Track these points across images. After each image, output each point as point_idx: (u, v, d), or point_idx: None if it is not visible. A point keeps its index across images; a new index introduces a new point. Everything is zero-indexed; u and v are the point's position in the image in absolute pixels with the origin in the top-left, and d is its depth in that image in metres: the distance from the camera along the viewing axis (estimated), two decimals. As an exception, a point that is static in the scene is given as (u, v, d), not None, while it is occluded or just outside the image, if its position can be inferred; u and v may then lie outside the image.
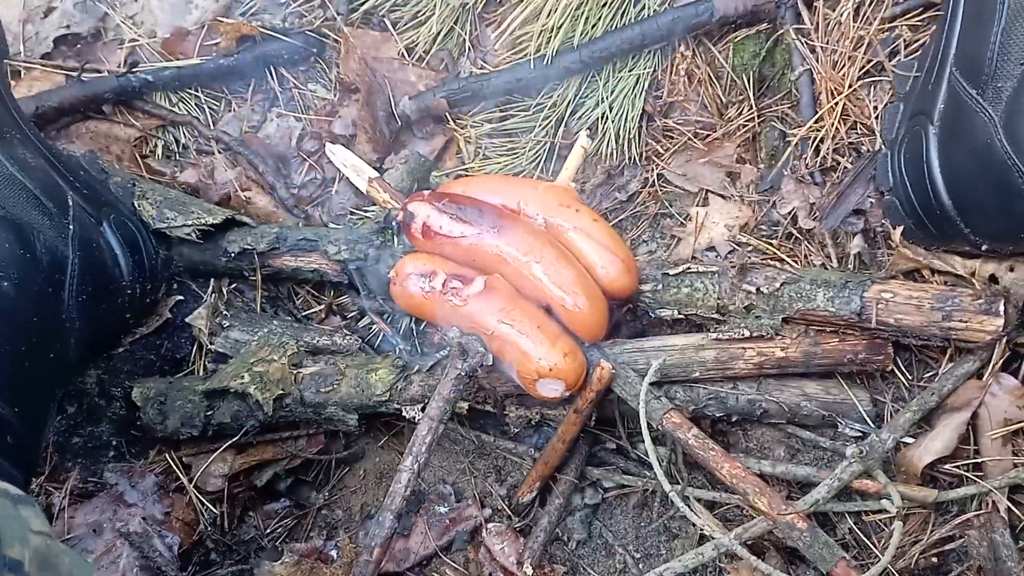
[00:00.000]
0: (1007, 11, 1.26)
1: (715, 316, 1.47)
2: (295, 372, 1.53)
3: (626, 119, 1.68)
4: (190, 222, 1.58)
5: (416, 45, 1.75)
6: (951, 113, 1.36)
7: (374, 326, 1.69)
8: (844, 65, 1.57)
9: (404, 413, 1.49)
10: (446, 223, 1.44)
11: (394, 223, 1.56)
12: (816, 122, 1.58)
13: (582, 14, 1.64)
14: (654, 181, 1.69)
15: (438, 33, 1.73)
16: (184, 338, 1.66)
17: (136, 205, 1.59)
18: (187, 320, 1.63)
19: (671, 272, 1.49)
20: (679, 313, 1.49)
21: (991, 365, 1.41)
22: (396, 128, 1.76)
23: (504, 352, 1.39)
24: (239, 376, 1.51)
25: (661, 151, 1.70)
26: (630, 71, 1.67)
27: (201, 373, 1.65)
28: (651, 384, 1.40)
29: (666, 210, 1.69)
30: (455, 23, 1.73)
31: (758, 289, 1.44)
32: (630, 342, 1.50)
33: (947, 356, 1.46)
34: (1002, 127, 1.25)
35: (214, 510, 1.56)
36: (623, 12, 1.65)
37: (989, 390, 1.40)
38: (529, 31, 1.66)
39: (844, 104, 1.56)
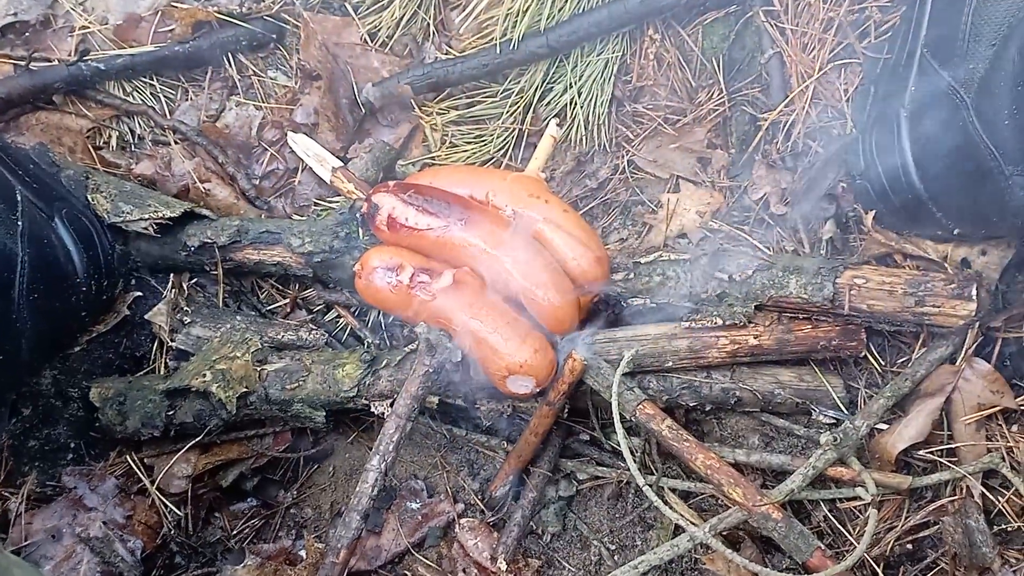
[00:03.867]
0: (978, -8, 1.25)
1: (688, 304, 1.45)
2: (259, 369, 1.49)
3: (595, 105, 1.65)
4: (146, 216, 1.53)
5: (379, 30, 1.70)
6: (922, 95, 1.35)
7: (341, 320, 1.65)
8: (814, 47, 1.55)
9: (373, 409, 1.46)
10: (412, 215, 1.40)
11: (358, 215, 1.52)
12: (787, 106, 1.56)
13: (548, -3, 1.60)
14: (624, 168, 1.67)
15: (401, 17, 1.69)
16: (143, 336, 1.61)
17: (90, 199, 1.54)
18: (146, 317, 1.58)
19: (643, 261, 1.48)
20: (651, 302, 1.47)
21: (964, 350, 1.41)
22: (360, 116, 1.71)
23: (473, 348, 1.36)
24: (201, 374, 1.47)
25: (631, 137, 1.67)
26: (598, 55, 1.64)
27: (162, 371, 1.60)
28: (624, 374, 1.38)
29: (637, 197, 1.67)
30: (419, 7, 1.68)
31: (730, 276, 1.42)
32: (602, 332, 1.48)
33: (920, 341, 1.46)
34: (974, 109, 1.24)
35: (178, 512, 1.52)
36: (590, -6, 1.61)
37: (962, 375, 1.40)
38: (495, 15, 1.62)
39: (814, 87, 1.54)
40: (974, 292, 1.32)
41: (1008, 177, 1.22)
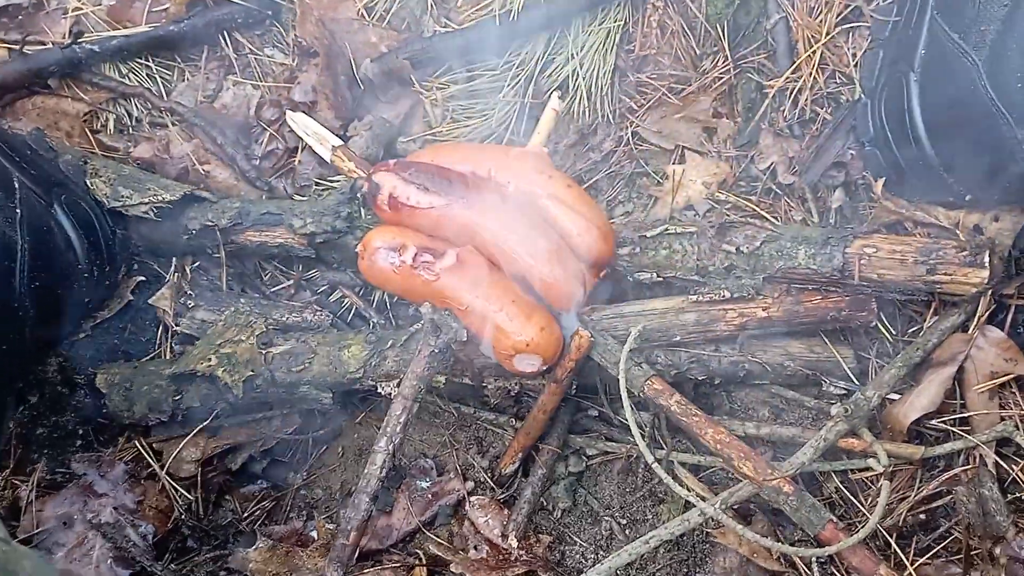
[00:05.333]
0: (990, -49, 1.21)
1: (695, 278, 1.44)
2: (264, 351, 1.48)
3: (598, 75, 1.62)
4: (146, 200, 1.52)
5: (376, 4, 1.67)
6: (933, 59, 1.32)
7: (345, 300, 1.64)
8: (821, 11, 1.51)
9: (379, 390, 1.45)
10: (414, 194, 1.38)
11: (360, 195, 1.50)
12: (793, 72, 1.53)
13: (548, -34, 1.57)
14: (629, 139, 1.64)
15: (398, -10, 1.66)
16: (148, 320, 1.61)
17: (89, 184, 1.52)
18: (150, 302, 1.58)
19: (648, 234, 1.45)
20: (658, 276, 1.45)
21: (976, 318, 1.39)
22: (359, 93, 1.69)
23: (479, 327, 1.34)
24: (206, 359, 1.46)
25: (635, 107, 1.64)
26: (600, 25, 1.61)
27: (167, 356, 1.60)
28: (631, 350, 1.37)
29: (642, 169, 1.64)
30: (416, -21, 1.66)
31: (738, 248, 1.40)
32: (609, 308, 1.47)
33: (932, 310, 1.44)
34: (986, 72, 1.22)
35: (188, 496, 1.52)
36: (591, -38, 1.58)
37: (975, 343, 1.38)
38: (493, -15, 1.59)
39: (822, 52, 1.51)
40: (987, 259, 1.30)
41: (1021, 141, 1.19)
